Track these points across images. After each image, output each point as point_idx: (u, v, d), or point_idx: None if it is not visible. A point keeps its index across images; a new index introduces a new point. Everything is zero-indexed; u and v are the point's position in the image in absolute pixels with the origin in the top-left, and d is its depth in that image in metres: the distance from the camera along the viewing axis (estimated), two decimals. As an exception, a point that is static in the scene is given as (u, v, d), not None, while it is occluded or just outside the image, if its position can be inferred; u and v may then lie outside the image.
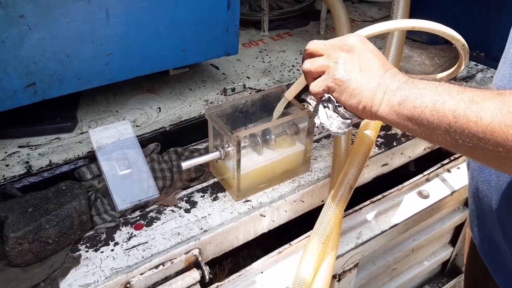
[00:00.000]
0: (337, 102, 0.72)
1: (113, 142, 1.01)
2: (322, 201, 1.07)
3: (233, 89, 1.19)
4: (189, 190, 0.99)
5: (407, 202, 1.18)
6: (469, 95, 0.57)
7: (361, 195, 1.14)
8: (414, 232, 1.38)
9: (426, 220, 1.37)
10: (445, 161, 1.25)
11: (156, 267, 0.84)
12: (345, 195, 0.92)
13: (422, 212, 1.17)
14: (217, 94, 1.21)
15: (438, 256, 1.57)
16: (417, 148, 1.19)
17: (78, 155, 1.00)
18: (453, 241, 1.57)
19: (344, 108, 0.72)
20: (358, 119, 0.74)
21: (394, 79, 0.67)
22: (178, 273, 0.88)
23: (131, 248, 0.86)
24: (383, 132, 1.18)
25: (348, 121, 0.74)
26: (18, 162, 0.98)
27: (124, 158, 1.00)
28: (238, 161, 0.90)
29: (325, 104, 0.74)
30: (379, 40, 1.36)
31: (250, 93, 1.21)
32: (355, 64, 0.69)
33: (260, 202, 0.96)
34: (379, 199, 1.14)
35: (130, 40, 0.98)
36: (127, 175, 0.98)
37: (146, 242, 0.87)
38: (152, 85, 1.22)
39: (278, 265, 1.00)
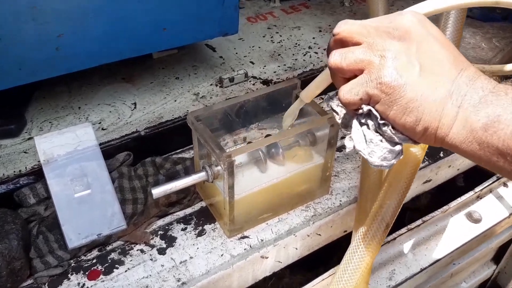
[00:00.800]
0: (381, 118, 0.46)
1: (68, 153, 0.76)
2: (345, 231, 0.82)
3: (231, 79, 0.93)
4: (167, 220, 0.75)
5: (454, 228, 0.92)
6: None
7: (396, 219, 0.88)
8: (454, 258, 1.13)
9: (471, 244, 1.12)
10: (503, 174, 0.97)
11: (114, 337, 0.60)
12: (379, 236, 0.66)
13: (472, 241, 0.91)
14: (211, 85, 0.94)
15: (478, 276, 1.32)
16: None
17: (20, 170, 0.75)
18: (496, 259, 1.31)
19: (393, 128, 0.46)
20: (413, 144, 0.48)
21: (474, 85, 0.42)
22: None
23: (80, 309, 0.62)
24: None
25: (398, 147, 0.48)
26: None
27: (82, 175, 0.76)
28: (231, 188, 0.65)
29: (363, 121, 0.48)
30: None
31: (253, 84, 0.95)
32: (413, 60, 0.44)
33: (262, 240, 0.71)
34: (418, 225, 0.88)
35: (88, 16, 0.72)
36: (84, 197, 0.74)
37: (101, 300, 0.63)
38: (129, 72, 0.96)
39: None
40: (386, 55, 0.43)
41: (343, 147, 0.89)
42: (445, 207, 0.91)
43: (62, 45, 0.73)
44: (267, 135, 0.80)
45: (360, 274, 0.66)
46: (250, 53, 1.05)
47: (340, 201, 0.78)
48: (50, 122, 0.84)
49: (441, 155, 0.87)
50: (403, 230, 0.87)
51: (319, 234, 0.77)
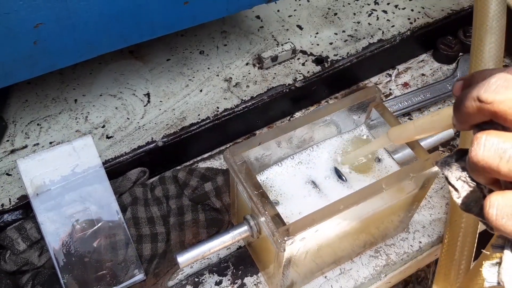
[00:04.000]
0: None
1: (63, 178, 0.60)
2: (418, 269, 0.66)
3: (274, 58, 0.72)
4: (196, 266, 0.60)
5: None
6: None
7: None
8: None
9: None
10: None
11: None
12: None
13: None
14: (247, 64, 0.73)
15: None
16: None
17: (2, 204, 0.59)
18: None
19: None
20: None
21: None
22: None
23: None
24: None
25: None
26: None
27: (83, 207, 0.60)
28: (284, 267, 0.49)
29: None
30: None
31: (303, 64, 0.73)
32: None
33: (320, 302, 0.57)
34: None
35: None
36: (89, 238, 0.59)
37: None
38: (140, 46, 0.75)
39: None
40: None
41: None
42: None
43: (41, 38, 0.52)
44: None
45: None
46: (297, 10, 0.81)
47: (420, 242, 0.62)
48: (38, 125, 0.66)
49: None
50: None
51: (389, 282, 0.62)
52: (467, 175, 0.38)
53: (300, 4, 0.83)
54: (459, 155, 0.37)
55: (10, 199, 0.59)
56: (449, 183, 0.38)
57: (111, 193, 0.61)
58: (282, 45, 0.73)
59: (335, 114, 0.55)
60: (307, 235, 0.46)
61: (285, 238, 0.44)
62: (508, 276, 0.32)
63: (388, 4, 0.82)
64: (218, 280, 0.59)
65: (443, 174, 0.39)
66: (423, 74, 0.80)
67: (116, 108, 0.68)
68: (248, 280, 0.59)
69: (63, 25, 0.53)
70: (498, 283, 0.32)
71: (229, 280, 0.59)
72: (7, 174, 0.61)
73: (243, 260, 0.60)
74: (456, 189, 0.37)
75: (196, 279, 0.59)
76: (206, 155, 0.70)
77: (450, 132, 0.61)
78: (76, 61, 0.57)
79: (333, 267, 0.59)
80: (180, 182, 0.66)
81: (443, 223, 0.63)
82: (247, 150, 0.51)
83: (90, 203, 0.61)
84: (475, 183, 0.37)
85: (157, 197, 0.65)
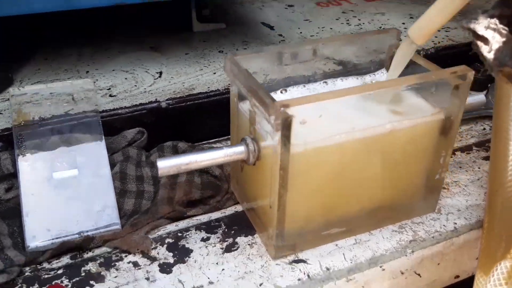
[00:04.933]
0: None
1: (55, 117, 0.55)
2: (457, 276, 0.54)
3: (294, 55, 0.71)
4: (182, 224, 0.51)
5: None
6: None
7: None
8: None
9: None
10: None
11: None
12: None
13: None
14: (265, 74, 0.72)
15: None
16: None
17: (-17, 133, 0.55)
18: None
19: None
20: None
21: None
22: None
23: None
24: None
25: None
26: None
27: (68, 150, 0.54)
28: (284, 162, 0.40)
29: None
30: None
31: (325, 64, 0.72)
32: None
33: (327, 268, 0.45)
34: None
35: None
36: (67, 180, 0.52)
37: (54, 335, 0.39)
38: (160, 42, 0.76)
39: None
40: None
41: (453, 151, 0.63)
42: None
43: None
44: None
45: None
46: (319, 33, 0.83)
47: (455, 223, 0.51)
48: (44, 84, 0.64)
49: None
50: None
51: (419, 274, 0.50)
52: (497, 21, 0.34)
53: (323, 30, 0.84)
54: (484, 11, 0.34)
55: (-7, 129, 0.55)
56: (478, 37, 0.33)
57: (102, 146, 0.56)
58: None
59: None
60: (308, 115, 0.39)
61: (281, 108, 0.37)
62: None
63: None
64: (205, 237, 0.49)
65: (469, 31, 0.35)
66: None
67: (125, 78, 0.66)
68: (241, 240, 0.49)
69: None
70: None
71: (218, 238, 0.49)
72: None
73: (238, 222, 0.51)
74: (486, 41, 0.33)
75: (180, 234, 0.49)
76: (212, 140, 0.65)
77: (482, 97, 0.55)
78: (74, 7, 0.56)
79: (345, 235, 0.49)
80: (179, 152, 0.60)
81: (482, 209, 0.53)
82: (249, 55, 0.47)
83: (76, 152, 0.55)
84: (507, 29, 0.33)
85: (152, 162, 0.58)
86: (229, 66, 0.46)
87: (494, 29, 0.33)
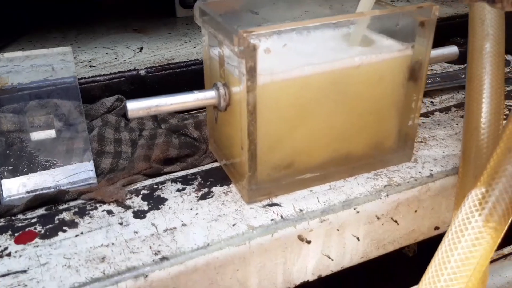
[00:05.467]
0: None
1: (33, 82, 0.56)
2: (437, 228, 0.53)
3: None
4: (158, 179, 0.51)
5: None
6: None
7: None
8: None
9: None
10: None
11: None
12: (500, 211, 0.38)
13: None
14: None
15: None
16: None
17: (-37, 98, 0.56)
18: None
19: None
20: None
21: None
22: None
23: (-16, 281, 0.38)
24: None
25: None
26: None
27: (47, 112, 0.55)
28: (251, 90, 0.41)
29: None
30: None
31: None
32: None
33: (301, 210, 0.45)
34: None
35: None
36: (44, 141, 0.52)
37: (25, 271, 0.39)
38: (144, 26, 0.78)
39: None
40: None
41: (431, 112, 0.64)
42: None
43: None
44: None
45: (474, 273, 0.38)
46: (302, 16, 0.84)
47: (431, 170, 0.51)
48: (22, 52, 0.65)
49: None
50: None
51: (396, 221, 0.50)
52: None
53: (306, 13, 0.86)
54: None
55: (-28, 95, 0.55)
56: None
57: (80, 111, 0.56)
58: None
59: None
60: (272, 44, 0.40)
61: (244, 35, 0.38)
62: None
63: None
64: (181, 188, 0.49)
65: None
66: (432, 69, 0.77)
67: (106, 53, 0.67)
68: (217, 189, 0.49)
69: None
70: None
71: (193, 188, 0.49)
72: (-21, 83, 0.59)
73: (215, 175, 0.51)
74: None
75: (155, 186, 0.49)
76: (192, 112, 0.65)
77: (454, 48, 0.56)
78: None
79: (319, 181, 0.49)
80: (158, 119, 0.60)
81: (459, 158, 0.53)
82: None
83: (55, 117, 0.56)
84: None
85: (130, 128, 0.59)
86: (198, 13, 0.47)
87: None
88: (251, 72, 0.40)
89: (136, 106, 0.43)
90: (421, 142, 0.56)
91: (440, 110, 0.64)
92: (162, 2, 0.85)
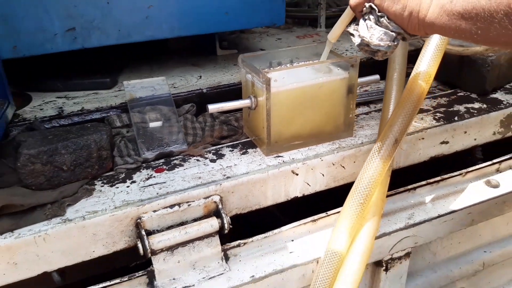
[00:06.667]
0: (379, 11, 0.67)
1: (147, 96, 1.01)
2: (367, 172, 0.97)
3: (279, 63, 1.17)
4: (218, 147, 0.95)
5: (472, 190, 1.04)
6: None
7: (418, 178, 1.02)
8: (485, 243, 1.20)
9: (500, 230, 1.20)
10: (521, 151, 1.10)
11: (171, 206, 0.79)
12: (389, 148, 0.83)
13: (490, 201, 1.02)
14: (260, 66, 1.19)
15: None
16: (484, 129, 1.07)
17: (111, 105, 1.01)
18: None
19: (388, 18, 0.67)
20: (405, 35, 0.68)
21: None
22: (195, 220, 0.82)
23: (147, 186, 0.82)
24: (443, 109, 1.08)
25: (392, 34, 0.68)
26: (52, 107, 1.01)
27: (156, 112, 0.99)
28: (268, 98, 0.85)
29: (366, 17, 0.70)
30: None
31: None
32: None
33: (293, 158, 0.89)
34: (437, 181, 1.02)
35: (172, -7, 1.01)
36: (157, 128, 0.97)
37: (164, 182, 0.83)
38: (198, 61, 1.23)
39: (312, 236, 0.90)
40: None
41: (369, 112, 1.08)
42: (463, 171, 1.04)
43: (151, 15, 1.01)
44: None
45: (374, 181, 0.81)
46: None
47: (362, 141, 0.95)
48: (139, 80, 1.10)
49: (456, 118, 1.03)
50: (423, 182, 1.01)
51: (343, 167, 0.94)
52: (355, 25, 0.77)
53: (298, 51, 1.31)
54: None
55: (115, 103, 1.01)
56: (349, 33, 0.77)
57: (174, 110, 1.01)
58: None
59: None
60: (277, 77, 0.84)
61: (265, 74, 0.83)
62: (356, 36, 0.71)
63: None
64: (231, 149, 0.93)
65: (347, 31, 0.79)
66: (378, 87, 1.21)
67: (180, 79, 1.12)
68: (250, 150, 0.92)
69: (162, 10, 1.02)
70: (359, 37, 0.70)
71: (238, 150, 0.93)
72: (115, 97, 1.04)
73: (249, 145, 0.95)
74: (352, 35, 0.77)
75: (218, 149, 0.94)
76: (233, 112, 1.10)
77: (376, 77, 1.00)
78: (164, 36, 1.04)
79: (303, 145, 0.92)
80: (214, 116, 1.05)
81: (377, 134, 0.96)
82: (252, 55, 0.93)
83: (160, 112, 1.00)
84: (358, 30, 0.76)
85: (199, 121, 1.03)
86: (240, 60, 0.92)
87: (356, 30, 0.77)
88: (268, 88, 0.84)
89: (213, 107, 0.88)
90: (360, 127, 1.00)
91: (375, 111, 1.08)
92: (207, 46, 1.31)
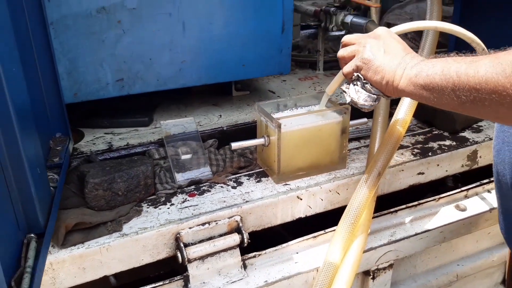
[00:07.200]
0: (364, 79, 0.89)
1: (179, 133, 1.23)
2: (358, 197, 1.19)
3: (285, 105, 1.39)
4: (238, 175, 1.17)
5: (444, 213, 1.25)
6: (470, 58, 0.68)
7: (399, 202, 1.24)
8: (458, 258, 1.41)
9: (471, 247, 1.41)
10: (485, 181, 1.32)
11: (203, 224, 1.00)
12: (374, 179, 1.04)
13: (458, 222, 1.23)
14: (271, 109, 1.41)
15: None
16: (454, 162, 1.29)
17: (150, 140, 1.23)
18: (505, 282, 1.56)
19: (371, 85, 0.88)
20: (384, 97, 0.89)
21: (413, 59, 0.80)
22: (221, 236, 1.03)
23: (184, 208, 1.03)
24: (420, 145, 1.30)
25: (374, 96, 0.90)
26: (103, 142, 1.22)
27: (186, 147, 1.21)
28: (279, 139, 1.07)
29: (355, 83, 0.91)
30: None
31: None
32: (380, 47, 0.86)
33: (298, 186, 1.11)
34: (415, 205, 1.23)
35: (201, 51, 1.24)
36: (187, 159, 1.19)
37: (197, 205, 1.04)
38: (217, 101, 1.46)
39: (313, 249, 1.11)
40: (366, 45, 0.88)
41: (359, 147, 1.30)
42: (436, 196, 1.26)
43: (183, 67, 1.24)
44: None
45: (363, 205, 1.03)
46: (299, 95, 1.52)
47: (353, 172, 1.17)
48: (173, 120, 1.32)
49: (430, 154, 1.25)
50: (403, 206, 1.22)
51: (338, 193, 1.15)
52: (347, 84, 0.99)
53: (301, 93, 1.54)
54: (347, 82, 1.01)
55: (154, 139, 1.23)
56: (343, 90, 0.99)
57: (201, 144, 1.23)
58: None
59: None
60: (286, 121, 1.07)
61: (277, 120, 1.06)
62: (347, 96, 0.94)
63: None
64: (248, 178, 1.15)
65: (341, 89, 1.01)
66: (368, 125, 1.43)
67: (204, 118, 1.35)
68: (263, 179, 1.14)
69: (193, 64, 1.25)
70: (350, 97, 0.93)
71: (253, 178, 1.15)
72: (152, 133, 1.26)
73: (262, 174, 1.16)
74: (345, 92, 0.99)
75: (237, 177, 1.15)
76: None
77: (364, 120, 1.22)
78: (193, 84, 1.27)
79: (306, 175, 1.14)
80: (232, 150, 1.27)
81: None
82: (266, 101, 1.16)
83: (190, 146, 1.22)
84: (349, 86, 0.98)
85: (220, 153, 1.25)
86: (257, 107, 1.14)
87: (347, 88, 0.99)
88: (279, 130, 1.06)
89: (235, 144, 1.10)
90: (352, 160, 1.22)
91: (364, 146, 1.30)
92: (224, 88, 1.53)
